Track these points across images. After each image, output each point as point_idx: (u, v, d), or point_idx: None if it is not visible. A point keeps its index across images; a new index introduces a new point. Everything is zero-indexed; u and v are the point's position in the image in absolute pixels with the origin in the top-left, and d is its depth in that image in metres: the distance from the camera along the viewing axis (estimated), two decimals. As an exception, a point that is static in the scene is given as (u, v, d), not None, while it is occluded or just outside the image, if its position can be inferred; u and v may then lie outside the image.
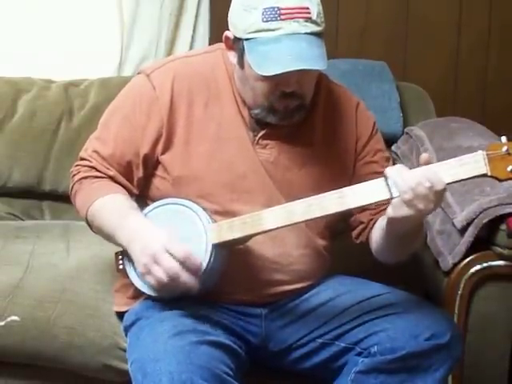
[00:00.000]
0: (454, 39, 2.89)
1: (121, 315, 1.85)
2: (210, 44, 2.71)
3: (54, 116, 2.52)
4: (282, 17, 1.59)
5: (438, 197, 1.54)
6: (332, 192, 1.61)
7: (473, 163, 1.54)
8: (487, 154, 1.53)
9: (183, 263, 1.60)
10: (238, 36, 1.66)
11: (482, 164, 1.54)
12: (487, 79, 2.93)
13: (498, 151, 1.53)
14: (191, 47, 2.79)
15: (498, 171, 1.54)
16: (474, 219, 1.89)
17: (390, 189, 1.56)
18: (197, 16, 2.78)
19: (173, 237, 1.63)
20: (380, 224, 1.73)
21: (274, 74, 1.60)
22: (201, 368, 1.54)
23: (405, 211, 1.55)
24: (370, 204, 1.63)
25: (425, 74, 2.86)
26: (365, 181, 1.80)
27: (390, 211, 1.57)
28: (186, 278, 1.61)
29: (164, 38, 2.75)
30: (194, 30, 2.79)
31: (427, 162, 1.56)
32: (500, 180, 1.55)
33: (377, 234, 1.76)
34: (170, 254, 1.60)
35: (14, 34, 2.70)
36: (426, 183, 1.52)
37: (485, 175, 1.55)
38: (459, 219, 1.91)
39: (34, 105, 2.53)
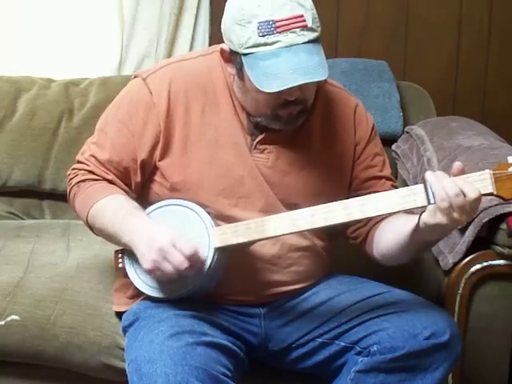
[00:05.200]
0: (454, 39, 2.88)
1: (120, 315, 1.84)
2: (210, 44, 2.71)
3: (55, 115, 2.52)
4: (278, 29, 1.58)
5: (472, 208, 1.54)
6: (339, 202, 1.61)
7: (479, 182, 1.55)
8: (494, 174, 1.54)
9: (190, 258, 1.60)
10: (234, 50, 1.64)
11: (489, 183, 1.55)
12: (487, 79, 2.92)
13: (504, 171, 1.55)
14: (191, 47, 2.79)
15: (503, 191, 1.55)
16: (474, 218, 1.89)
17: (427, 195, 1.55)
18: (197, 16, 2.78)
19: (178, 232, 1.63)
20: (397, 228, 1.70)
21: (276, 90, 1.58)
22: (197, 369, 1.54)
23: (439, 219, 1.54)
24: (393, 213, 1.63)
25: (425, 74, 2.86)
26: (363, 185, 1.80)
27: (426, 217, 1.56)
28: (190, 273, 1.62)
29: (164, 38, 2.75)
30: (194, 30, 2.79)
31: (460, 172, 1.56)
32: (505, 199, 1.56)
33: (389, 236, 1.73)
34: (177, 249, 1.60)
35: (14, 33, 2.71)
36: (463, 194, 1.51)
37: (491, 194, 1.56)
38: (459, 218, 1.91)
39: (34, 104, 2.53)
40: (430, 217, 1.55)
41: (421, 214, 1.58)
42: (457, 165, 1.57)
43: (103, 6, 2.73)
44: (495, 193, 1.55)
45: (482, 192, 1.54)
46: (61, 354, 1.90)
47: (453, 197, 1.51)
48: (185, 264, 1.60)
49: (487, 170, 1.55)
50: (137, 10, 2.74)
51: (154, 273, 1.64)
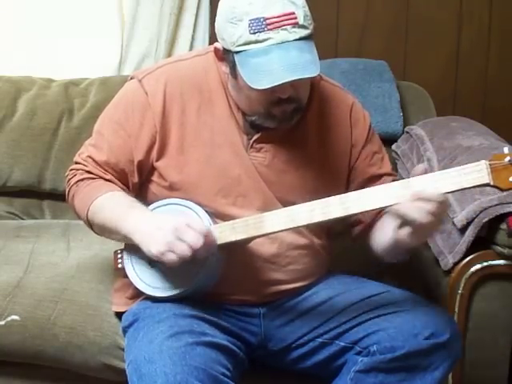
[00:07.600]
0: (453, 39, 2.88)
1: (120, 315, 1.84)
2: (210, 44, 2.71)
3: (55, 115, 2.52)
4: (269, 27, 1.58)
5: (445, 208, 1.56)
6: (336, 197, 1.61)
7: (475, 172, 1.55)
8: (490, 164, 1.54)
9: (205, 237, 1.59)
10: (227, 48, 1.64)
11: (485, 173, 1.54)
12: (487, 79, 2.92)
13: (500, 161, 1.55)
14: (191, 47, 2.79)
15: (500, 181, 1.55)
16: (474, 218, 1.89)
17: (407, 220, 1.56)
18: (197, 15, 2.78)
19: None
20: (387, 233, 1.69)
21: (266, 87, 1.58)
22: (196, 369, 1.54)
23: (426, 235, 1.58)
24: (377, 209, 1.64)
25: (425, 74, 2.86)
26: (364, 184, 1.80)
27: (412, 240, 1.58)
28: (202, 255, 1.61)
29: (164, 38, 2.75)
30: (194, 30, 2.79)
31: (423, 173, 1.57)
32: (502, 190, 1.56)
33: (385, 240, 1.72)
34: (191, 227, 1.59)
35: (14, 33, 2.71)
36: (429, 200, 1.53)
37: (487, 185, 1.56)
38: (459, 218, 1.91)
39: (34, 104, 2.53)
40: (416, 238, 1.58)
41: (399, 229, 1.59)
42: (419, 167, 1.58)
43: (103, 6, 2.73)
44: (491, 183, 1.55)
45: (478, 183, 1.55)
46: (61, 354, 1.90)
47: (431, 210, 1.52)
48: (200, 241, 1.58)
49: (483, 161, 1.55)
50: (137, 10, 2.74)
51: (164, 255, 1.59)
